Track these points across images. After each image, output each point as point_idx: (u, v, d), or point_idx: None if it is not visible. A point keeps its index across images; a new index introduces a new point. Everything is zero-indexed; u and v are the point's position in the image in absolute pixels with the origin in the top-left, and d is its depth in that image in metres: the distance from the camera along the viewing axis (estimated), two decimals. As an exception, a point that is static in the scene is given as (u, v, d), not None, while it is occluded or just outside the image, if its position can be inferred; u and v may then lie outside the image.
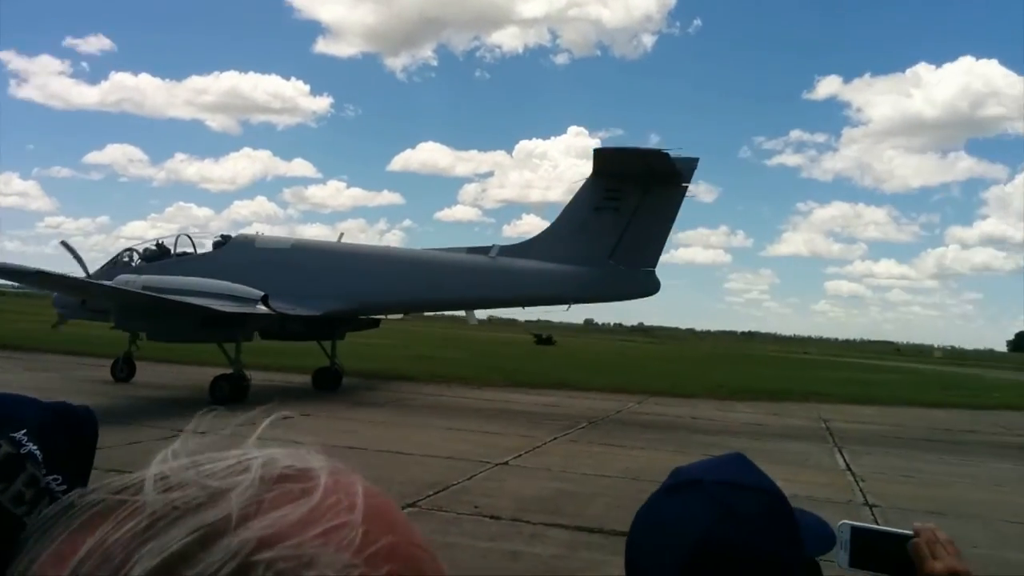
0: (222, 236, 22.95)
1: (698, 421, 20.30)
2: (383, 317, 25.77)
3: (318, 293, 20.63)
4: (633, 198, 20.04)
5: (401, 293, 21.52)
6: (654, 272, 20.49)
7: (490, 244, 22.11)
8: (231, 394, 17.53)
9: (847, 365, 63.12)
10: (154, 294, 17.69)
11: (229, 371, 18.58)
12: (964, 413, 27.45)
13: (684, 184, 20.38)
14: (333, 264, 21.63)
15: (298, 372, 24.65)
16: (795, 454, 15.59)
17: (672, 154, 19.50)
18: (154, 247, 22.64)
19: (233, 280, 19.29)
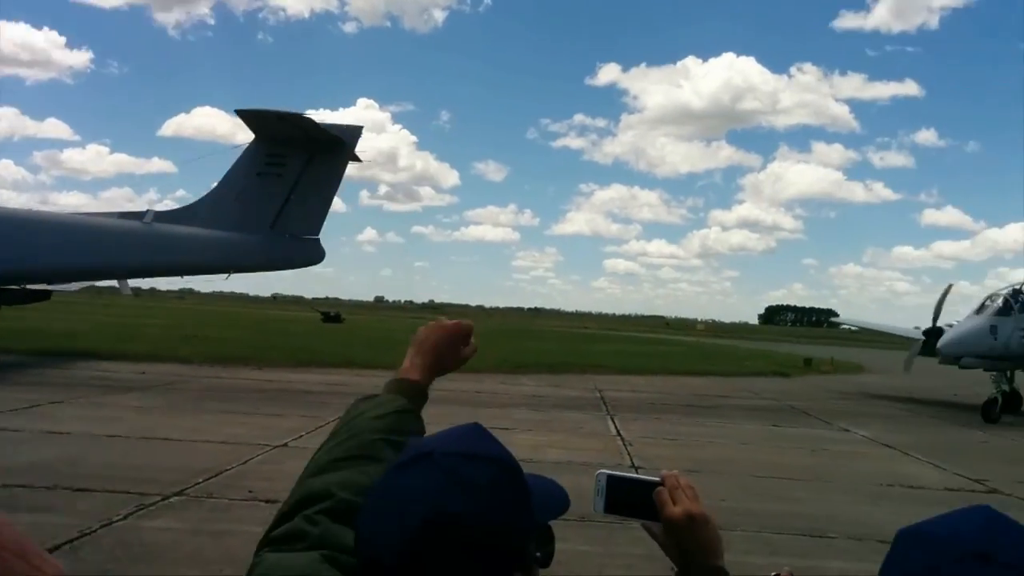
0: None
1: (482, 395, 20.75)
2: (51, 288, 24.36)
3: None
4: (296, 164, 19.89)
5: (41, 260, 19.69)
6: (319, 241, 20.50)
7: (144, 209, 21.31)
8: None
9: (622, 339, 67.53)
10: None
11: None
12: (720, 380, 30.31)
13: (348, 152, 20.60)
14: None
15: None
16: (571, 422, 16.40)
17: (325, 124, 19.58)
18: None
19: None
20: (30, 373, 20.00)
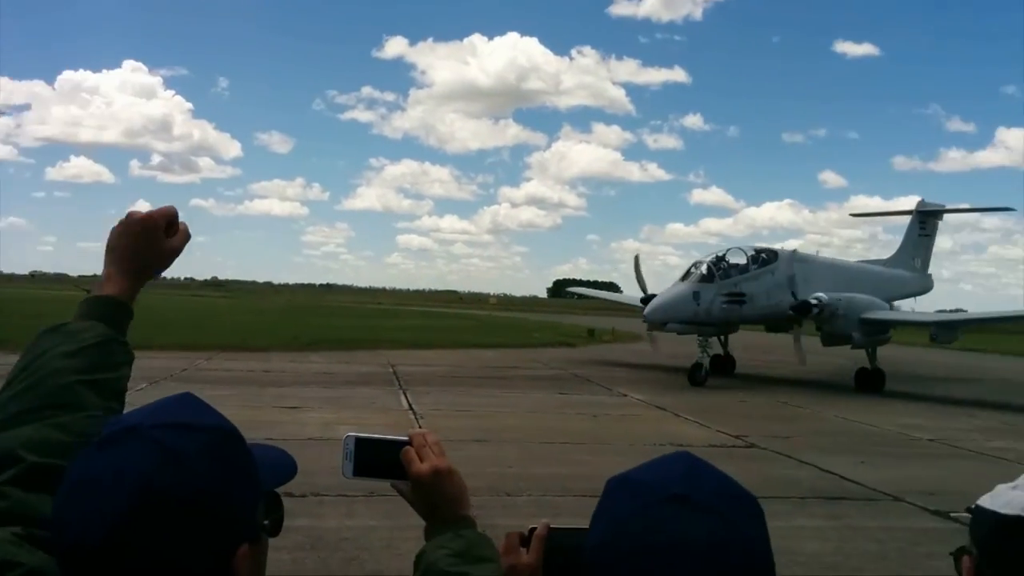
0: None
1: (270, 374, 20.00)
2: None
3: None
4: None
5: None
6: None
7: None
8: None
9: (416, 313, 67.75)
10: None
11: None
12: (511, 352, 31.28)
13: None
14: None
15: None
16: (363, 398, 16.24)
17: None
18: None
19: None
20: None
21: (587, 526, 1.17)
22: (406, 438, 1.49)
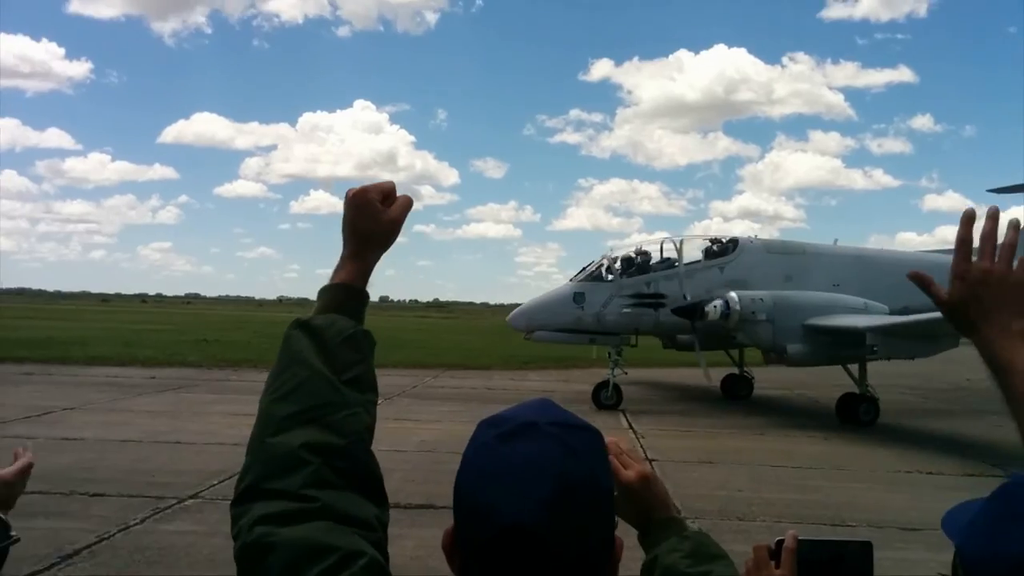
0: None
1: (493, 391, 20.73)
2: None
3: None
4: None
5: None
6: None
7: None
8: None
9: (628, 332, 67.20)
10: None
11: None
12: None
13: None
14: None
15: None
16: (584, 416, 16.32)
17: None
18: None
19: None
20: (43, 380, 20.03)
21: (837, 538, 1.21)
22: None
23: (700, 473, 11.05)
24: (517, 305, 19.03)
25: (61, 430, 12.83)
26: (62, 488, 8.92)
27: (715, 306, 17.15)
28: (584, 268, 19.01)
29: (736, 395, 21.28)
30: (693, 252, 19.67)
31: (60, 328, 41.07)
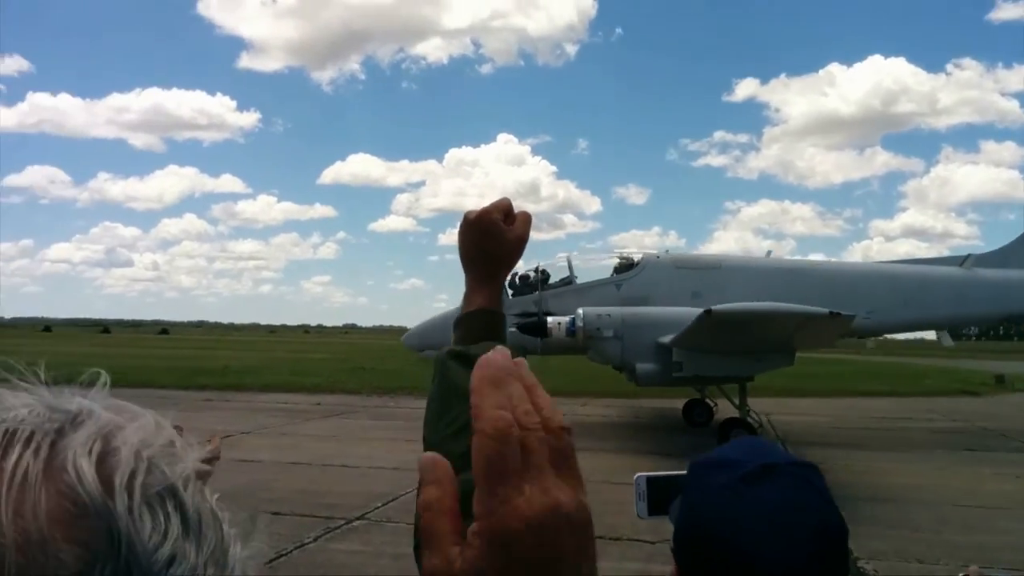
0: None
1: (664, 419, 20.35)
2: None
3: None
4: None
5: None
6: None
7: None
8: None
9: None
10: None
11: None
12: (899, 401, 28.26)
13: None
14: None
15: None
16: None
17: None
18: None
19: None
20: (222, 406, 21.61)
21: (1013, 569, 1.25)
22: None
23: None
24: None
25: (239, 452, 13.75)
26: (247, 507, 9.53)
27: (559, 323, 16.13)
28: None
29: (695, 422, 20.07)
30: (604, 270, 18.88)
31: (234, 357, 44.29)
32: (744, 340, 14.47)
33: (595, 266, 19.15)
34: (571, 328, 16.03)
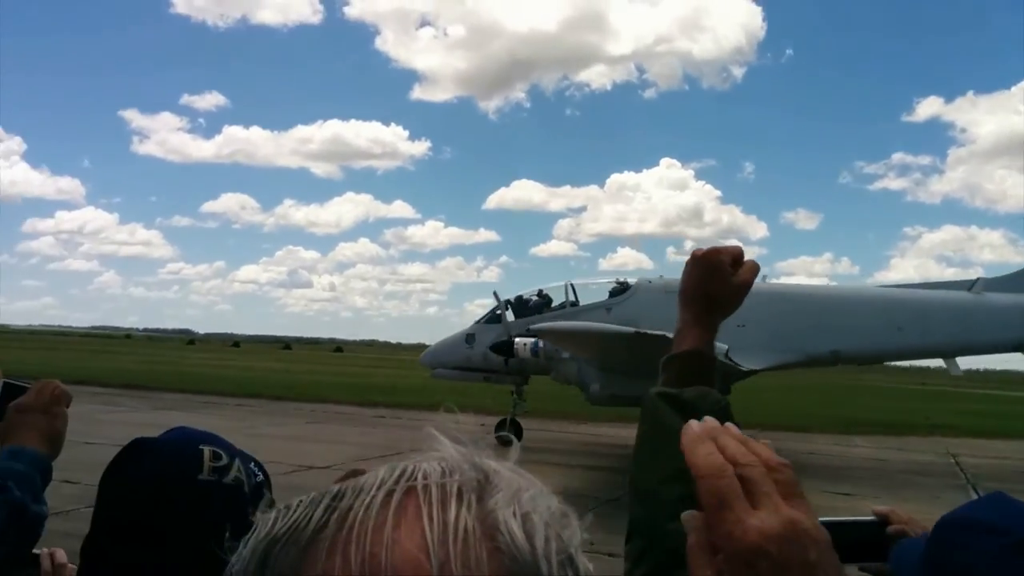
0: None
1: (814, 456, 19.45)
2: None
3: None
4: None
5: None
6: None
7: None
8: None
9: (976, 396, 59.38)
10: None
11: None
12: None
13: None
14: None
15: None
16: (926, 491, 14.72)
17: None
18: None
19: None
20: (393, 423, 22.58)
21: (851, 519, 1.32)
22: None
23: None
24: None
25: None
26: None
27: (524, 344, 16.70)
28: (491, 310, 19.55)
29: None
30: (603, 294, 19.48)
31: (401, 376, 46.20)
32: (614, 359, 15.11)
33: (596, 290, 19.83)
34: (535, 348, 16.74)
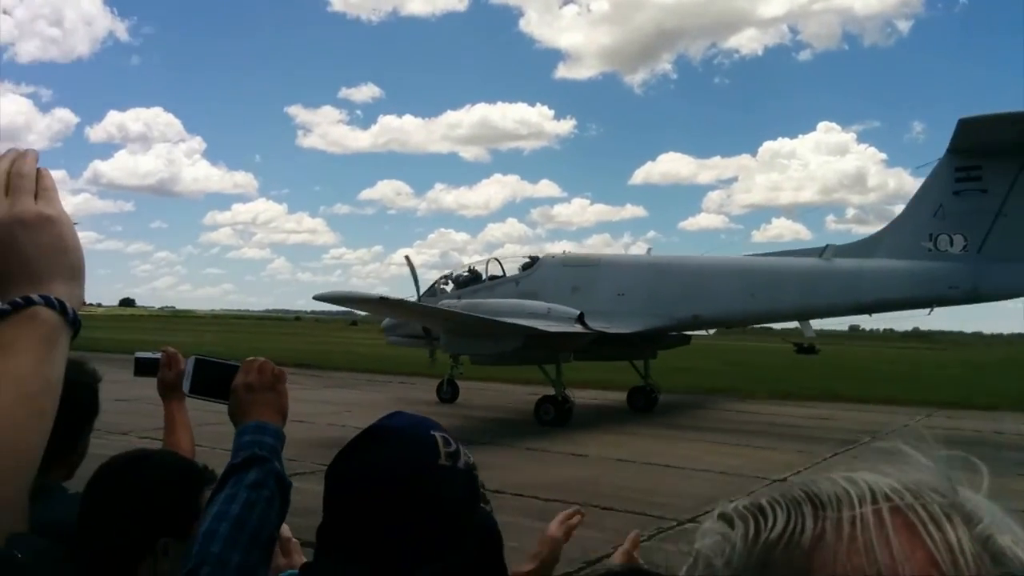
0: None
1: (1004, 436, 17.93)
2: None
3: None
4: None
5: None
6: None
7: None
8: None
9: None
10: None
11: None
12: None
13: None
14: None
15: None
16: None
17: None
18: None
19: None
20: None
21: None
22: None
23: None
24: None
25: (568, 446, 14.54)
26: (577, 498, 10.08)
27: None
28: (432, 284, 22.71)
29: (638, 407, 21.18)
30: (516, 269, 21.69)
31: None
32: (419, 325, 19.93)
33: (513, 265, 21.99)
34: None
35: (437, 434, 1.41)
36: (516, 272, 21.52)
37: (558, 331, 17.46)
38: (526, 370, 19.91)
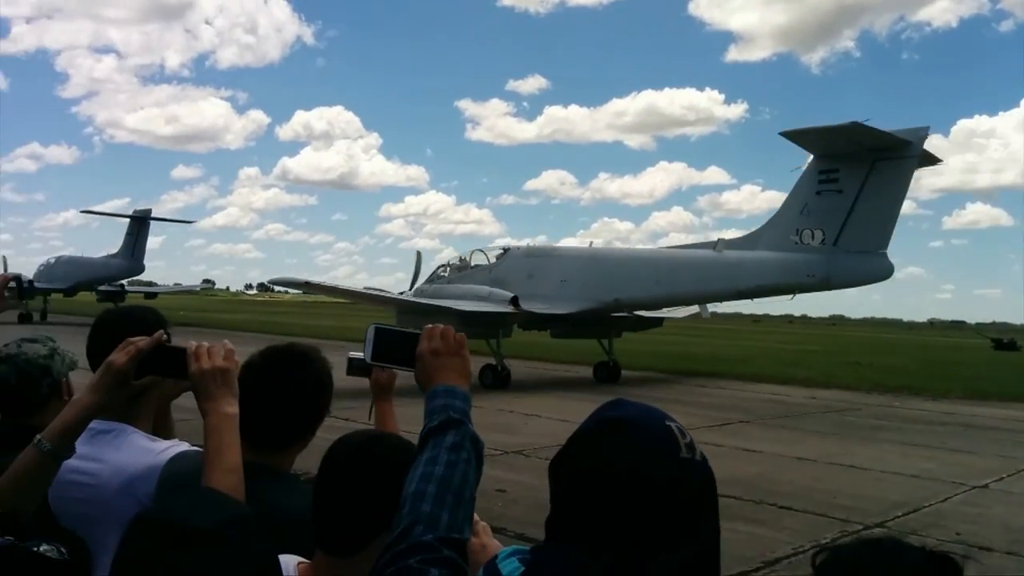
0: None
1: None
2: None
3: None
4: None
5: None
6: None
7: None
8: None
9: None
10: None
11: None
12: None
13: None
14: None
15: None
16: None
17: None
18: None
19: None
20: (714, 392, 22.28)
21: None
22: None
23: None
24: None
25: (741, 441, 14.03)
26: (753, 496, 9.71)
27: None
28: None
29: (604, 379, 23.75)
30: (493, 258, 24.97)
31: (720, 346, 45.33)
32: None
33: (494, 255, 25.02)
34: None
35: (672, 424, 1.38)
36: (493, 261, 24.90)
37: (488, 311, 20.89)
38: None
